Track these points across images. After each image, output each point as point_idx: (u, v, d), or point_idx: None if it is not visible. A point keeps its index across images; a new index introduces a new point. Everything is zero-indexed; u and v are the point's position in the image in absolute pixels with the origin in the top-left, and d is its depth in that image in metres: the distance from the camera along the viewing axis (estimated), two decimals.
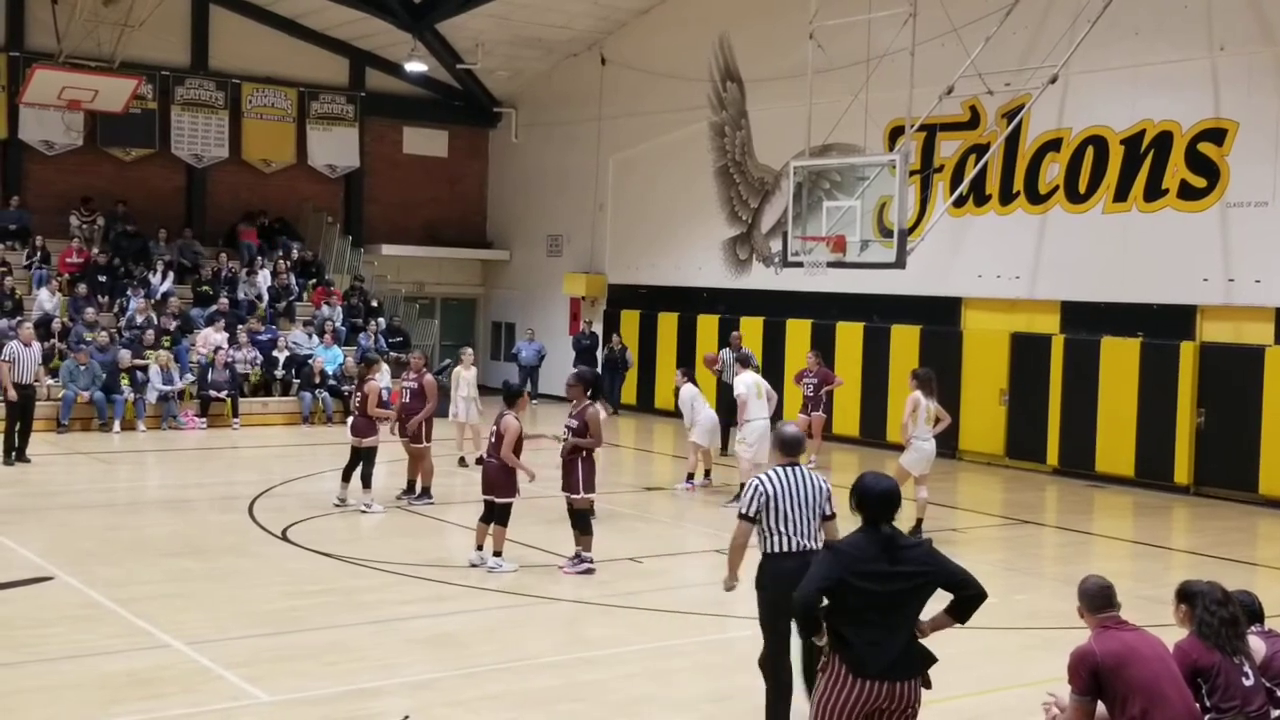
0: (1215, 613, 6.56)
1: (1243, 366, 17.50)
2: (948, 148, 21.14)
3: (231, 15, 27.37)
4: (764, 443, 16.00)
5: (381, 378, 23.59)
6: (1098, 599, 6.63)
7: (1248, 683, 6.49)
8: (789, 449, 7.63)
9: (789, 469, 7.47)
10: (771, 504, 7.34)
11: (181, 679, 8.54)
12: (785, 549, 7.33)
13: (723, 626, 10.30)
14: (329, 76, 28.77)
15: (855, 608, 5.57)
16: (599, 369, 26.08)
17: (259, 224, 27.69)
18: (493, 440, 11.94)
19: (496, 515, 11.88)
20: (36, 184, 25.84)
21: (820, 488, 7.48)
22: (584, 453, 11.91)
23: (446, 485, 15.97)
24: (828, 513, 7.49)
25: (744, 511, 7.41)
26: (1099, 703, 6.41)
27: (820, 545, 7.25)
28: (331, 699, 8.22)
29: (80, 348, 21.50)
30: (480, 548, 12.01)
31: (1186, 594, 6.78)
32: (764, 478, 7.45)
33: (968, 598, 5.80)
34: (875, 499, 5.74)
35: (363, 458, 14.62)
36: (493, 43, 27.73)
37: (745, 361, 16.87)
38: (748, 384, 16.02)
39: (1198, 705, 6.55)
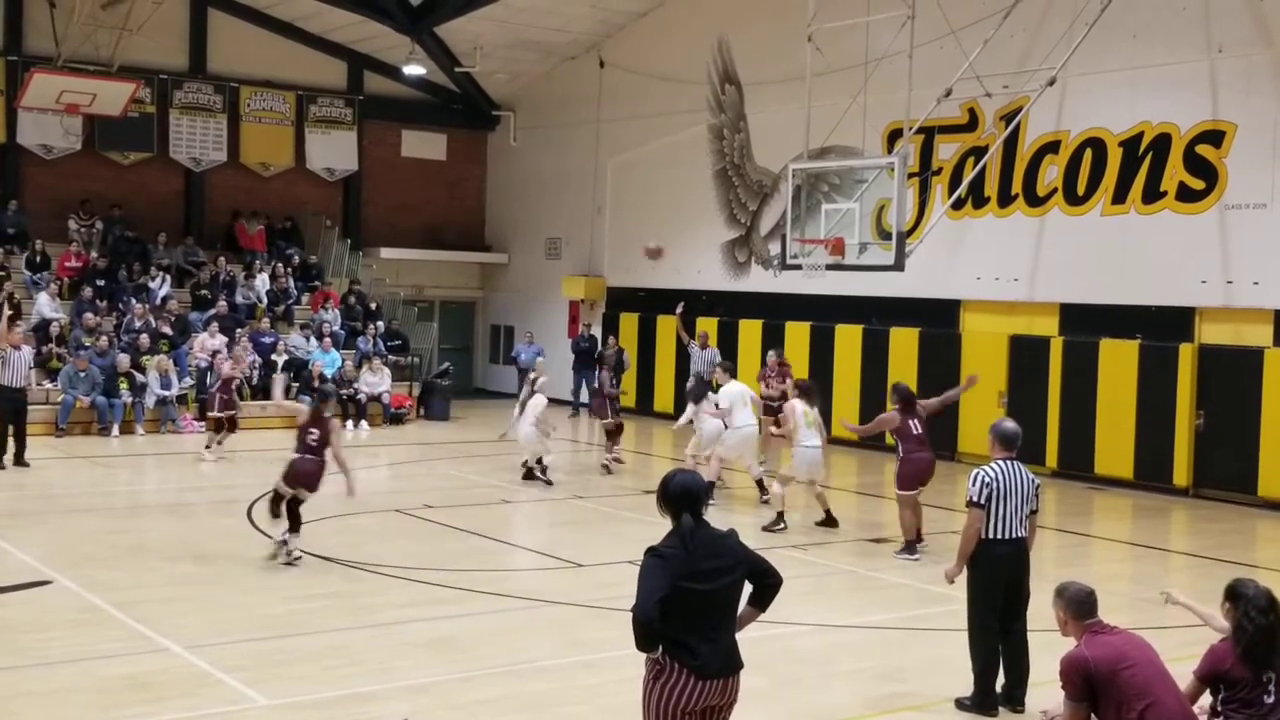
0: (1255, 619, 6.51)
1: (1241, 368, 17.50)
2: (946, 150, 21.14)
3: (230, 19, 27.36)
4: (745, 447, 15.88)
5: (383, 379, 23.79)
6: (1085, 605, 6.66)
7: (1269, 700, 6.45)
8: (1008, 443, 8.34)
9: (1009, 463, 8.25)
10: (997, 493, 8.11)
11: (181, 683, 8.54)
12: (1001, 535, 8.15)
13: None
14: (327, 80, 28.77)
15: (690, 610, 5.42)
16: (595, 371, 26.01)
17: (269, 224, 27.59)
18: None
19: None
20: (35, 188, 25.82)
21: (1032, 482, 8.30)
22: None
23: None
24: (1035, 507, 8.31)
25: (975, 499, 8.14)
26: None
27: (1025, 534, 8.27)
28: (330, 703, 8.21)
29: (80, 354, 21.48)
30: None
31: (1233, 594, 6.73)
32: (989, 469, 8.21)
33: (769, 585, 5.72)
34: (676, 494, 5.60)
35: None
36: (491, 45, 27.72)
37: (730, 371, 16.85)
38: (732, 395, 15.93)
39: (1212, 700, 6.54)
